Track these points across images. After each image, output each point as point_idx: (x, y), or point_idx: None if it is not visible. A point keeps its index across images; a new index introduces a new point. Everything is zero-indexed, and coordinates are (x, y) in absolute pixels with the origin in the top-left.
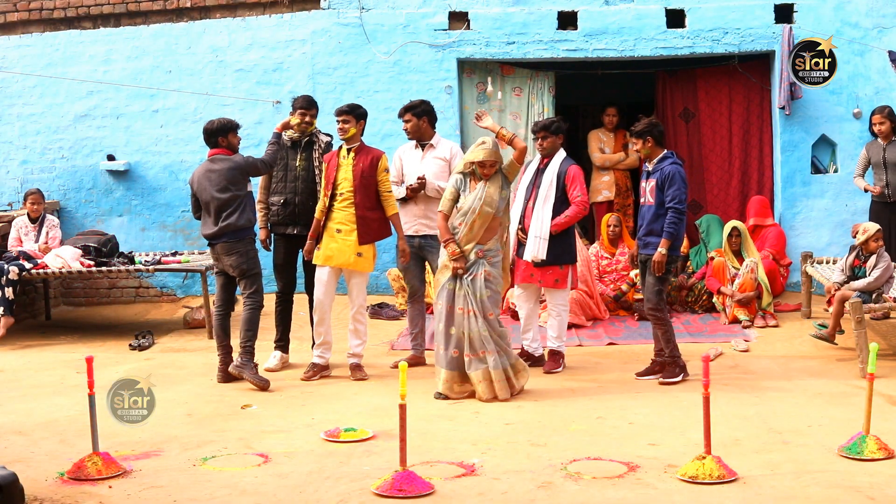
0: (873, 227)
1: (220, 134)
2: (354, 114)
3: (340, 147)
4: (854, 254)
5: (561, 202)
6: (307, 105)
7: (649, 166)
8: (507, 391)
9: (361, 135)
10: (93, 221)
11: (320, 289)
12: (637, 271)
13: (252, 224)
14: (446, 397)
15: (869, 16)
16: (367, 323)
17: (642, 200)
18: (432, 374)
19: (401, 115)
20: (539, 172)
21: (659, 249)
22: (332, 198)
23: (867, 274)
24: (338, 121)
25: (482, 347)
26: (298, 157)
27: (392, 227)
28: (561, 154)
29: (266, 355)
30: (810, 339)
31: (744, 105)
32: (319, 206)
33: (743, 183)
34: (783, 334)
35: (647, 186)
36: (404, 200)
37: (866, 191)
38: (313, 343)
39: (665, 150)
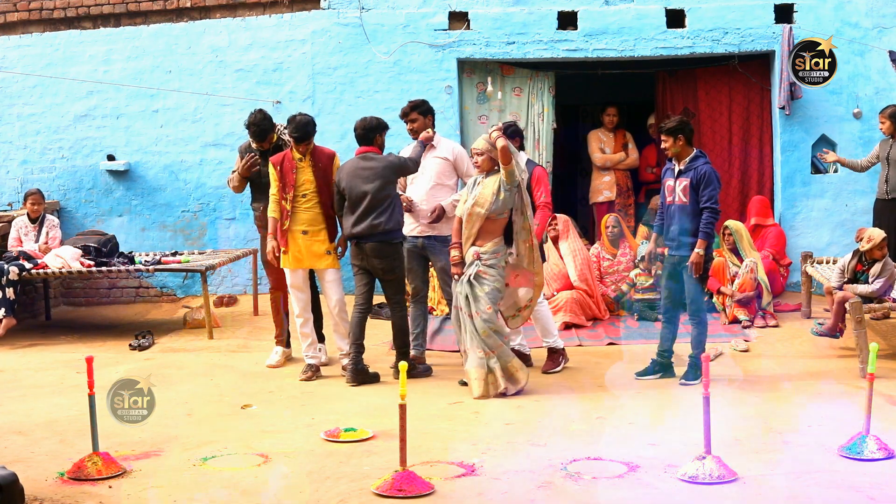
0: (879, 235)
1: (378, 132)
2: (309, 138)
3: (290, 149)
4: (857, 258)
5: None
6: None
7: (679, 165)
8: (483, 390)
9: None
10: (93, 221)
11: (297, 293)
12: (639, 270)
13: (400, 226)
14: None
15: (869, 16)
16: (349, 320)
17: (669, 199)
18: (432, 373)
19: (405, 115)
20: None
21: (696, 250)
22: (293, 200)
23: (869, 280)
24: (299, 149)
25: (471, 344)
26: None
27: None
28: (523, 156)
29: (267, 353)
30: (810, 339)
31: (744, 105)
32: (274, 208)
33: (743, 183)
34: (783, 334)
35: (679, 186)
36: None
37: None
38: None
39: (695, 149)
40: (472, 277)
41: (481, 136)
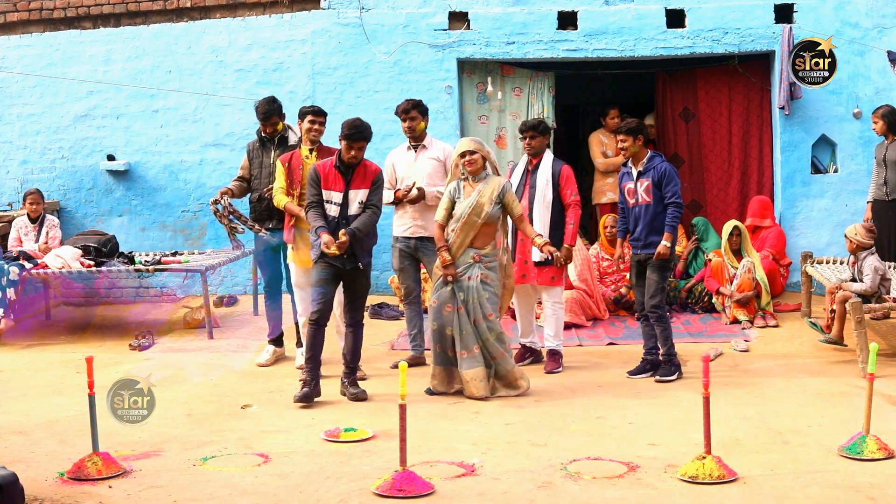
0: (850, 231)
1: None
2: (325, 116)
3: (299, 146)
4: (854, 256)
5: (555, 201)
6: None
7: (637, 167)
8: (486, 391)
9: None
10: (93, 221)
11: (301, 293)
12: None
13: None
14: (433, 392)
15: (869, 16)
16: None
17: (632, 202)
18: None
19: (405, 112)
20: (529, 173)
21: (663, 243)
22: (300, 198)
23: (861, 277)
24: (315, 121)
25: (475, 344)
26: (273, 153)
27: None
28: (549, 154)
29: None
30: (810, 339)
31: (744, 105)
32: (283, 202)
33: (743, 183)
34: (783, 334)
35: (640, 187)
36: (397, 204)
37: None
38: (298, 341)
39: (650, 150)
40: (471, 280)
41: (467, 137)
